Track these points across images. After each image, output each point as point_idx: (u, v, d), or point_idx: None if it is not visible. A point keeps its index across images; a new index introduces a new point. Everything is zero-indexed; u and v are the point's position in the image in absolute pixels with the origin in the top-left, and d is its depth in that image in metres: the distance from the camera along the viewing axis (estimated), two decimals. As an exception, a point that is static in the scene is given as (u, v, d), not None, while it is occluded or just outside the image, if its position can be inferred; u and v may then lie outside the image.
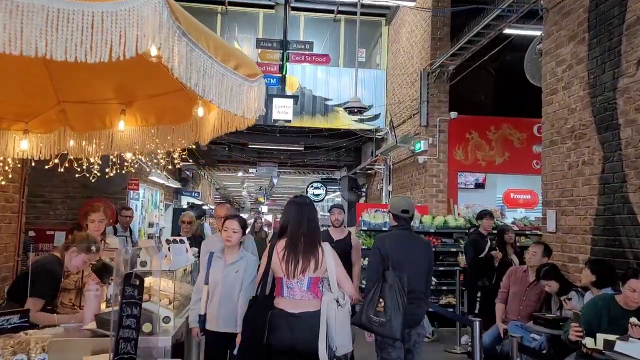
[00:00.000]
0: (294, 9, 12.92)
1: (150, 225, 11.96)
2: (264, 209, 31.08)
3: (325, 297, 3.33)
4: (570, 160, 5.35)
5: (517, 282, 5.46)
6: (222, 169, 18.20)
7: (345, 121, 13.17)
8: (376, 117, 13.27)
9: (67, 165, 4.69)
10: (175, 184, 12.67)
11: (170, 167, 11.23)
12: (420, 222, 9.15)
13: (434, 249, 8.02)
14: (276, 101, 8.58)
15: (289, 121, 8.94)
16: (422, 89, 10.07)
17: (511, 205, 11.96)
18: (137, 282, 2.31)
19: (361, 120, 13.22)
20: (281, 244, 3.41)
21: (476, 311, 6.47)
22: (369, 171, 14.25)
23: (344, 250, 5.37)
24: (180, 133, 3.03)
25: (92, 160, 3.84)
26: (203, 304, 3.79)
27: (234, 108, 1.95)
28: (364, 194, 15.33)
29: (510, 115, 10.51)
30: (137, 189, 9.08)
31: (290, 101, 8.64)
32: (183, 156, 9.94)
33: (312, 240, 3.42)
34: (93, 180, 8.71)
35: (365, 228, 9.01)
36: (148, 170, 9.86)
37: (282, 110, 8.56)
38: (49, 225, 8.76)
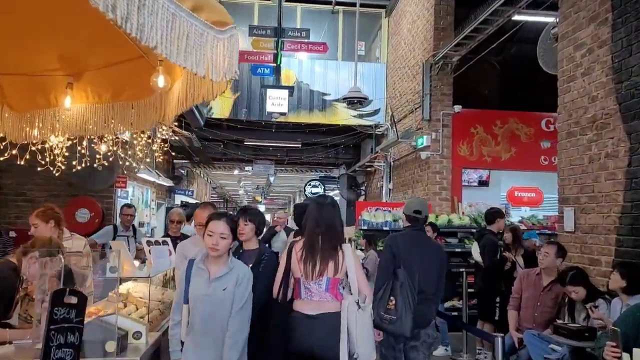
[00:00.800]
0: (290, -1, 12.46)
1: (141, 225, 11.47)
2: (262, 208, 30.54)
3: (345, 300, 3.23)
4: (590, 152, 4.87)
5: (530, 286, 4.98)
6: (217, 167, 17.71)
7: (344, 116, 12.71)
8: (376, 112, 12.80)
9: (28, 157, 4.37)
10: (168, 182, 12.17)
11: (148, 160, 10.80)
12: (423, 221, 8.68)
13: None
14: (270, 92, 8.05)
15: (284, 114, 8.43)
16: (424, 81, 9.59)
17: (515, 203, 11.52)
18: (75, 301, 1.80)
19: (360, 116, 12.76)
20: (299, 244, 3.33)
21: (496, 318, 5.99)
22: (369, 169, 13.78)
23: None
24: (142, 111, 2.47)
25: (57, 151, 3.34)
26: (184, 329, 2.96)
27: (193, 64, 1.44)
28: (363, 192, 14.87)
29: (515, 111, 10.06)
30: (125, 187, 8.60)
31: (285, 92, 8.12)
32: (165, 148, 9.43)
33: (331, 241, 3.30)
34: (76, 177, 8.24)
35: (365, 227, 8.55)
36: (136, 167, 9.35)
37: (277, 102, 8.05)
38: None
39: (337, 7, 13.11)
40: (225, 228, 2.99)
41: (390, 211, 8.75)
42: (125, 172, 9.21)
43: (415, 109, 10.23)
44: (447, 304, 8.31)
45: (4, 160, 7.84)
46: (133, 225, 6.70)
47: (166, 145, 9.12)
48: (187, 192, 14.20)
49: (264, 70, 8.64)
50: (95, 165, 8.43)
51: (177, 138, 11.96)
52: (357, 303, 3.20)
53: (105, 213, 8.48)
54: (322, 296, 3.21)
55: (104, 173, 8.31)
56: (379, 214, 8.58)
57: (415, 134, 9.74)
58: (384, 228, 8.44)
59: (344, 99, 8.23)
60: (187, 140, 12.22)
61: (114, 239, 6.21)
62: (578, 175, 5.05)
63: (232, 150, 14.90)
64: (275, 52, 8.40)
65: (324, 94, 12.70)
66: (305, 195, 19.78)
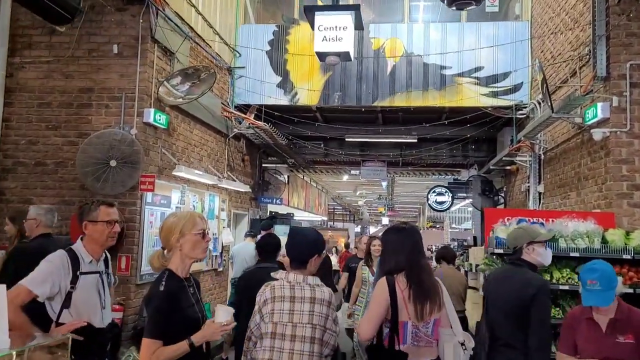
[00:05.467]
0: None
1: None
2: (385, 220, 27.48)
3: (446, 342, 2.93)
4: None
5: None
6: (319, 171, 15.14)
7: (471, 96, 9.38)
8: (516, 88, 9.30)
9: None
10: (242, 187, 9.74)
11: (207, 159, 8.34)
12: (604, 240, 5.23)
13: (631, 289, 4.82)
14: (320, 20, 4.94)
15: (347, 56, 5.25)
16: (596, 19, 6.05)
17: None
18: None
19: (494, 94, 9.34)
20: (401, 280, 2.97)
21: None
22: (508, 167, 10.20)
23: None
24: None
25: None
26: None
27: None
28: (502, 199, 11.27)
29: None
30: (152, 190, 6.24)
31: (348, 17, 4.88)
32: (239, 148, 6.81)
33: (431, 273, 3.08)
34: (85, 177, 5.99)
35: (501, 250, 5.29)
36: (176, 162, 7.00)
37: (332, 36, 4.98)
38: (35, 242, 6.22)
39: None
40: None
41: (543, 224, 5.37)
42: (163, 171, 6.89)
43: (581, 67, 6.68)
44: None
45: (8, 158, 5.66)
46: (106, 254, 3.74)
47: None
48: (274, 200, 11.75)
49: (313, -14, 5.68)
50: (110, 161, 6.30)
51: (254, 131, 9.55)
52: (462, 344, 2.95)
53: (127, 227, 6.17)
54: (429, 340, 2.93)
55: (121, 171, 6.03)
56: (524, 229, 5.25)
57: (581, 101, 6.19)
58: (534, 252, 5.10)
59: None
60: (268, 135, 9.74)
61: (74, 281, 3.33)
62: None
63: (333, 149, 12.20)
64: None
65: (443, 68, 9.50)
66: (430, 205, 16.50)
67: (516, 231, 3.71)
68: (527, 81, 9.20)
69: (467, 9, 5.05)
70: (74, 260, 3.26)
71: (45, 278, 3.10)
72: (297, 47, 9.65)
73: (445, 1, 4.80)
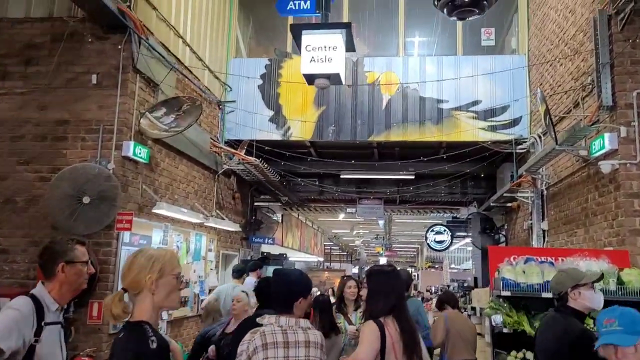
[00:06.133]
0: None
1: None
2: (383, 260, 26.83)
3: None
4: None
5: None
6: (314, 210, 14.71)
7: (469, 130, 9.06)
8: (515, 122, 8.99)
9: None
10: (231, 227, 9.28)
11: (193, 196, 7.90)
12: (619, 281, 4.80)
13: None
14: (308, 39, 4.57)
15: (338, 78, 4.83)
16: (599, 47, 5.77)
17: None
18: None
19: (492, 128, 9.03)
20: (390, 325, 2.93)
21: None
22: (509, 204, 9.81)
23: None
24: None
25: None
26: None
27: None
28: (503, 237, 10.83)
29: None
30: (130, 229, 5.80)
31: (337, 37, 4.54)
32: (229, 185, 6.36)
33: (411, 317, 3.14)
34: (55, 215, 5.54)
35: (509, 293, 4.84)
36: (157, 199, 6.57)
37: (321, 57, 4.58)
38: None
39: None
40: None
41: (552, 264, 4.94)
42: (143, 207, 6.45)
43: (584, 98, 6.37)
44: None
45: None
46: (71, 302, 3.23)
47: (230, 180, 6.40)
48: (266, 240, 11.27)
49: (299, 4, 5.25)
50: (83, 197, 5.85)
51: (245, 167, 9.18)
52: None
53: (100, 269, 5.70)
54: None
55: (96, 208, 5.60)
56: (532, 269, 4.82)
57: (586, 132, 5.84)
58: (543, 295, 4.68)
59: (439, 0, 4.54)
60: (260, 171, 9.36)
61: (38, 332, 2.79)
62: None
63: (328, 186, 11.82)
64: (318, -29, 5.05)
65: (440, 101, 9.22)
66: (428, 244, 16.03)
67: (558, 275, 3.44)
68: (526, 114, 8.90)
69: (469, 18, 4.73)
70: (38, 308, 2.76)
71: (11, 329, 2.56)
72: (290, 81, 9.38)
73: (445, 11, 4.45)
